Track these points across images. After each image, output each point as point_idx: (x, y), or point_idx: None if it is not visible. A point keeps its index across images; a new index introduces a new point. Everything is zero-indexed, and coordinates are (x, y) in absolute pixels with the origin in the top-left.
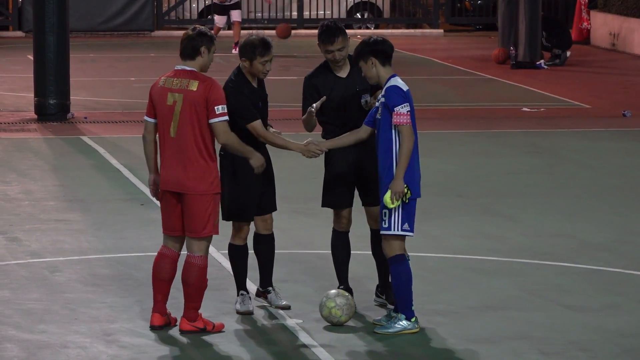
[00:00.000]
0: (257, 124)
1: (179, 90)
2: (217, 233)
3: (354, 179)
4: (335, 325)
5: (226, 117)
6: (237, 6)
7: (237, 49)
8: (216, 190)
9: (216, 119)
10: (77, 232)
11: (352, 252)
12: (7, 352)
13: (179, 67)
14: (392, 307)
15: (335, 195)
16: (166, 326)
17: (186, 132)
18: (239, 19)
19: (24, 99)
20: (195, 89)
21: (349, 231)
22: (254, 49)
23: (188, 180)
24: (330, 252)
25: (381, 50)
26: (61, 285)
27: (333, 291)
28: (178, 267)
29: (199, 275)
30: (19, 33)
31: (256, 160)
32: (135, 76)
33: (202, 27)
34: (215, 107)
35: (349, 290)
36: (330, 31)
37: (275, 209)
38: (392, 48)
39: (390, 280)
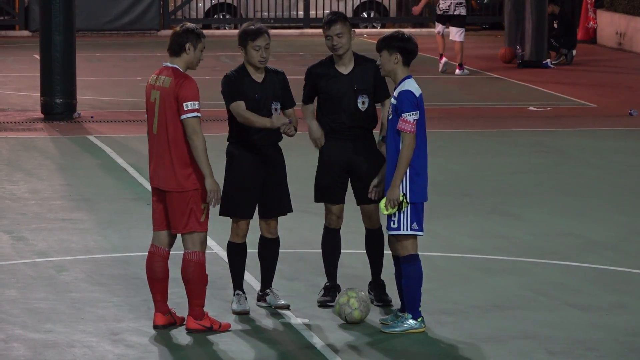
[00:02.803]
0: (234, 105)
1: (157, 88)
2: (203, 229)
3: (347, 176)
4: (343, 320)
5: (196, 114)
6: (457, 22)
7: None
8: (194, 186)
9: (185, 115)
10: (84, 232)
11: (355, 251)
12: (14, 351)
13: (164, 64)
14: (378, 305)
15: (325, 190)
16: (170, 325)
17: (163, 129)
18: (458, 39)
19: (31, 99)
20: (168, 86)
21: (339, 229)
22: (246, 35)
23: (166, 177)
24: (321, 248)
25: (409, 50)
26: (68, 285)
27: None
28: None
29: (196, 270)
30: (26, 32)
31: (210, 184)
32: (142, 75)
33: (190, 24)
34: (185, 104)
35: (337, 289)
36: (331, 17)
37: (281, 214)
38: (418, 50)
39: (381, 280)
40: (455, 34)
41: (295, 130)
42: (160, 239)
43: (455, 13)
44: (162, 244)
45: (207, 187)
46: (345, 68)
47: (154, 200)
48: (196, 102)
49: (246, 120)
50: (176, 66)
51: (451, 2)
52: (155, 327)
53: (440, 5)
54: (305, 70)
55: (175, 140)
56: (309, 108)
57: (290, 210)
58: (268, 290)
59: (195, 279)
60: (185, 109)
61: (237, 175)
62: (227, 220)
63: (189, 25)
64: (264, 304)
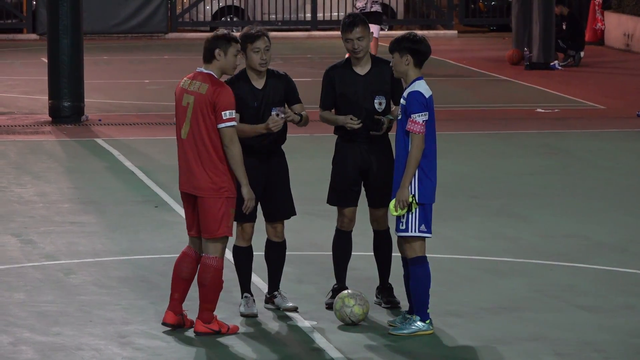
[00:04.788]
0: None
1: (192, 93)
2: (230, 235)
3: (360, 180)
4: (348, 323)
5: (234, 123)
6: (375, 19)
7: None
8: (227, 193)
9: (223, 124)
10: (92, 235)
11: (364, 253)
12: (22, 354)
13: (198, 70)
14: (386, 306)
15: (339, 193)
16: (179, 326)
17: (196, 135)
18: (375, 36)
19: (39, 102)
20: (204, 93)
21: (351, 231)
22: (245, 39)
23: (198, 182)
24: (331, 250)
25: (421, 52)
26: (76, 288)
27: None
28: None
29: (214, 276)
30: (33, 36)
31: (247, 193)
32: (149, 78)
33: (222, 30)
34: (223, 113)
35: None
36: (352, 20)
37: (287, 217)
38: (430, 52)
39: (389, 282)
40: (376, 31)
41: (301, 118)
42: (196, 243)
43: (372, 10)
44: (197, 247)
45: (244, 196)
46: (362, 69)
47: (185, 204)
48: (233, 111)
49: (242, 134)
50: (211, 72)
51: (367, 0)
52: (164, 324)
53: (357, 5)
54: (313, 72)
55: (210, 146)
56: (326, 114)
57: (294, 214)
58: (276, 293)
59: (211, 284)
60: (223, 118)
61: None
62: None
63: (220, 31)
64: (271, 306)
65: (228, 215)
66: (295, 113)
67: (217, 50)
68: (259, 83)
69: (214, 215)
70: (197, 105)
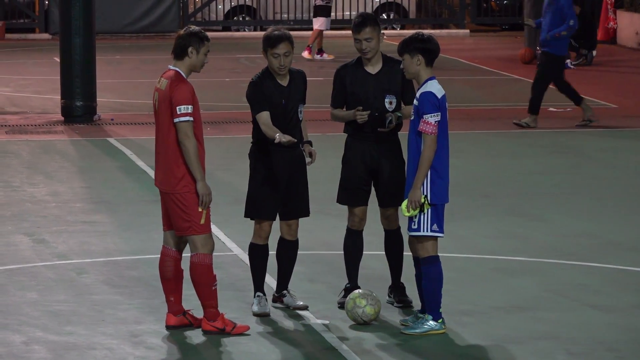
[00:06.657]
0: (260, 116)
1: (157, 90)
2: (202, 232)
3: (370, 179)
4: (360, 323)
5: (188, 118)
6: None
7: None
8: (186, 189)
9: (177, 119)
10: (104, 234)
11: (376, 252)
12: (35, 353)
13: (168, 67)
14: (398, 306)
15: (349, 193)
16: (184, 326)
17: (159, 130)
18: (321, 27)
19: (51, 101)
20: (164, 89)
21: (362, 230)
22: (266, 42)
23: (163, 178)
24: (343, 250)
25: (430, 50)
26: (88, 287)
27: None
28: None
29: (198, 272)
30: (46, 35)
31: (201, 188)
32: None
33: (195, 27)
34: (178, 108)
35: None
36: (361, 20)
37: (303, 216)
38: (439, 49)
39: (401, 282)
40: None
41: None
42: (167, 239)
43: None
44: (169, 244)
45: (198, 191)
46: (373, 68)
47: (161, 200)
48: (189, 106)
49: (265, 132)
50: (177, 69)
51: None
52: (167, 327)
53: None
54: (325, 71)
55: (169, 142)
56: (336, 111)
57: (308, 213)
58: (285, 292)
59: (199, 281)
60: (178, 113)
61: (261, 176)
62: (247, 223)
63: (193, 28)
64: (280, 305)
65: (194, 214)
66: (306, 142)
67: (190, 48)
68: (284, 81)
69: (178, 212)
70: (160, 102)
